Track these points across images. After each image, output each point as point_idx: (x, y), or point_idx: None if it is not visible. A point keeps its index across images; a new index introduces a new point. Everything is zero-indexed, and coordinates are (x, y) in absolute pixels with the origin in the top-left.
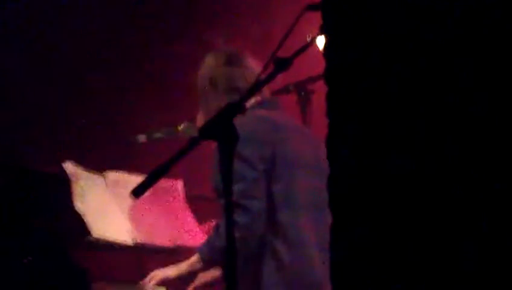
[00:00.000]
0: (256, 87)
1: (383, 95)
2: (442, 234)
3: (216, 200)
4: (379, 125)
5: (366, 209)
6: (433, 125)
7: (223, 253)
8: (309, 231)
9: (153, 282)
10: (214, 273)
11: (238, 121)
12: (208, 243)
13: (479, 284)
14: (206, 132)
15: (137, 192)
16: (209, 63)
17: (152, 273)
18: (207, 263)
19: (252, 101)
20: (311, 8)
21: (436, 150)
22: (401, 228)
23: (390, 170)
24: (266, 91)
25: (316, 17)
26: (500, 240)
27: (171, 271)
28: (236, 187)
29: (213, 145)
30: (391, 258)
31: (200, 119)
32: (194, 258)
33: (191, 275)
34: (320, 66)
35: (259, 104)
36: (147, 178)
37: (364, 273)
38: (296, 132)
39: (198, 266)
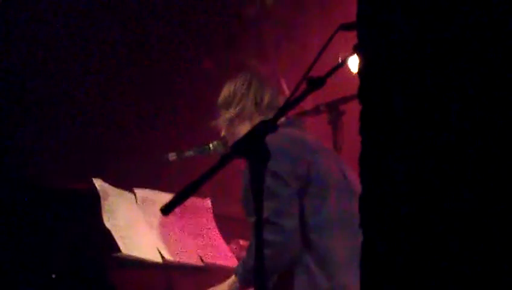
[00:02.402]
0: (288, 106)
1: (418, 113)
2: (477, 254)
3: (245, 219)
4: (413, 144)
5: (398, 228)
6: (477, 144)
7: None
8: (341, 251)
9: None
10: None
11: (270, 138)
12: (242, 263)
13: None
14: (238, 150)
15: (166, 209)
16: (249, 81)
17: None
18: (243, 283)
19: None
20: (345, 27)
21: (477, 166)
22: (433, 246)
23: (424, 188)
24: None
25: (347, 37)
26: None
27: None
28: (270, 205)
29: (241, 164)
30: (422, 275)
31: (230, 135)
32: (233, 278)
33: None
34: (349, 87)
35: (286, 123)
36: (176, 195)
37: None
38: (324, 151)
39: (238, 285)
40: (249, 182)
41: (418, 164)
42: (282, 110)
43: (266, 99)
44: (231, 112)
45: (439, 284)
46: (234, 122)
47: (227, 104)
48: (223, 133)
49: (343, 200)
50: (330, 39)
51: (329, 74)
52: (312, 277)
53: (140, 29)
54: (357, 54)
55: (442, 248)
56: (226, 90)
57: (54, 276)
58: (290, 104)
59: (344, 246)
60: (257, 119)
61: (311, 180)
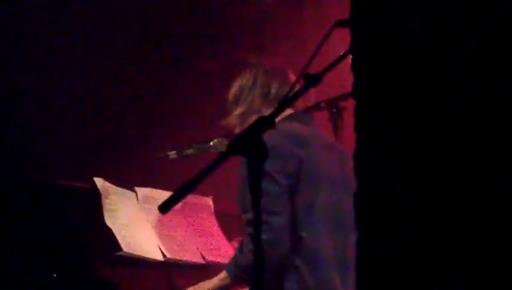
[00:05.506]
0: (285, 103)
1: (411, 110)
2: (474, 254)
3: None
4: (407, 141)
5: (394, 225)
6: (470, 139)
7: (247, 270)
8: (329, 248)
9: None
10: None
11: (264, 135)
12: (234, 260)
13: None
14: (235, 147)
15: (164, 208)
16: (255, 74)
17: None
18: (234, 280)
19: (282, 114)
20: (341, 24)
21: (473, 164)
22: (429, 245)
23: (419, 185)
24: (299, 105)
25: (346, 33)
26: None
27: (204, 287)
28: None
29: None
30: (418, 275)
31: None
32: (224, 274)
33: None
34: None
35: (289, 118)
36: (174, 194)
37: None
38: (323, 147)
39: (228, 281)
40: (246, 179)
41: (413, 162)
42: (280, 107)
43: (273, 90)
44: (241, 108)
45: (438, 283)
46: (245, 117)
47: (236, 100)
48: (236, 130)
49: (336, 197)
50: (326, 37)
51: (326, 70)
52: (300, 276)
53: (141, 28)
54: (351, 51)
55: (440, 247)
56: (234, 87)
57: (55, 275)
58: (288, 100)
59: (333, 245)
60: (266, 112)
61: (302, 177)
